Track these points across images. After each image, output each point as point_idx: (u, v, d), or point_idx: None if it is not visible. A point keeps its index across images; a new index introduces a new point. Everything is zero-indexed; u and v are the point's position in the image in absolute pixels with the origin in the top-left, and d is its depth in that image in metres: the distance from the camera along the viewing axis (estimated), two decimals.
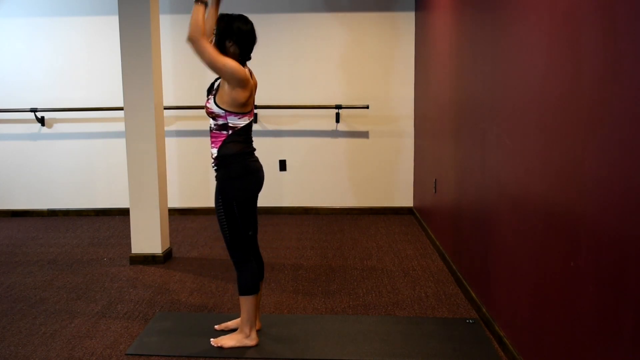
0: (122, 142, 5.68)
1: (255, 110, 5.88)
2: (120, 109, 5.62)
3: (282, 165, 5.98)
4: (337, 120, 5.92)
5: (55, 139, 6.11)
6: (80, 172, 6.12)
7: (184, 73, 5.98)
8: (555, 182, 2.23)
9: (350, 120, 5.99)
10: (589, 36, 1.97)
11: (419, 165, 5.74)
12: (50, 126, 6.09)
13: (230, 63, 2.72)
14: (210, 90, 2.92)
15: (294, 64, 5.95)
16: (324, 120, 5.98)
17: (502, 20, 2.94)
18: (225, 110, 2.79)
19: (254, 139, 3.00)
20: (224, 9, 2.96)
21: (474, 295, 3.43)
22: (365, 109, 5.90)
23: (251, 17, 2.91)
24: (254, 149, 2.96)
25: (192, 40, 2.69)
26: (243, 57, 2.86)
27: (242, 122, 2.85)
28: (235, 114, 2.81)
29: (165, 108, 5.65)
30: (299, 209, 6.04)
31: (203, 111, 6.30)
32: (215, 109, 2.80)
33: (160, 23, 5.02)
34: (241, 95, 2.78)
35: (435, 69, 4.78)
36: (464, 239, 3.76)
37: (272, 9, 5.89)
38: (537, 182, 2.43)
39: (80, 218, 6.03)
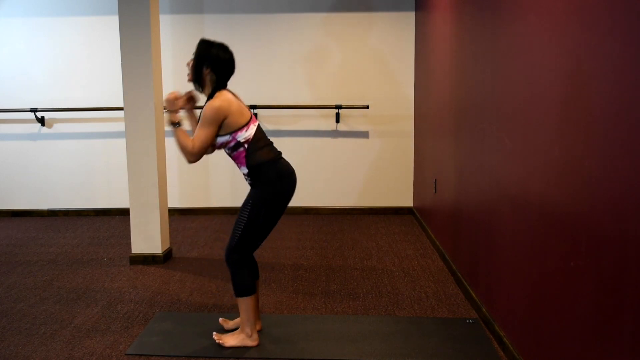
0: (122, 142, 5.68)
1: (255, 110, 5.88)
2: (120, 109, 5.63)
3: None
4: (337, 120, 5.92)
5: (55, 139, 6.11)
6: (80, 172, 6.13)
7: (184, 73, 5.94)
8: (555, 182, 2.23)
9: (350, 120, 5.99)
10: (588, 35, 1.97)
11: (419, 165, 5.74)
12: (50, 126, 6.09)
13: (210, 122, 2.74)
14: None
15: (294, 63, 5.95)
16: (324, 120, 5.98)
17: (501, 19, 2.94)
18: (229, 134, 2.79)
19: None
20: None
21: (474, 295, 3.43)
22: (365, 109, 5.90)
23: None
24: (280, 152, 2.95)
25: (191, 161, 2.82)
26: (219, 84, 2.85)
27: (251, 130, 2.83)
28: (239, 129, 2.80)
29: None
30: (299, 209, 6.04)
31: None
32: (219, 140, 2.81)
33: (160, 23, 5.02)
34: (231, 120, 2.77)
35: (435, 69, 4.78)
36: (463, 239, 3.76)
37: (272, 9, 5.89)
38: (537, 182, 2.43)
39: (80, 218, 6.03)
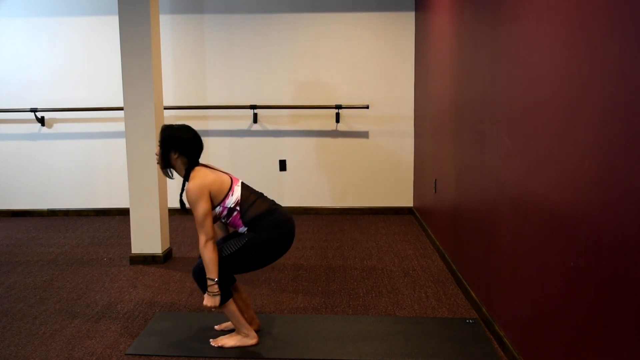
0: (122, 142, 5.68)
1: (256, 110, 5.88)
2: (120, 109, 5.63)
3: (282, 165, 5.98)
4: (337, 120, 5.92)
5: (55, 139, 6.11)
6: (80, 172, 6.13)
7: (184, 73, 5.98)
8: (555, 182, 2.23)
9: (350, 120, 5.99)
10: (588, 35, 1.97)
11: (419, 165, 5.74)
12: (50, 126, 6.09)
13: (197, 201, 2.72)
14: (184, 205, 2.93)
15: (294, 64, 5.95)
16: (324, 120, 5.98)
17: (501, 20, 2.94)
18: (218, 205, 2.81)
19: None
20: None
21: (474, 295, 3.43)
22: (365, 109, 5.90)
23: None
24: (274, 201, 2.95)
25: (208, 242, 2.74)
26: (191, 164, 2.85)
27: (237, 193, 2.84)
28: (225, 197, 2.81)
29: (165, 108, 5.65)
30: (299, 209, 6.04)
31: (203, 111, 6.32)
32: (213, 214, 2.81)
33: (160, 23, 5.02)
34: (214, 191, 2.78)
35: (435, 69, 4.78)
36: (464, 239, 3.76)
37: (272, 9, 5.89)
38: (537, 182, 2.43)
39: (80, 218, 6.03)
